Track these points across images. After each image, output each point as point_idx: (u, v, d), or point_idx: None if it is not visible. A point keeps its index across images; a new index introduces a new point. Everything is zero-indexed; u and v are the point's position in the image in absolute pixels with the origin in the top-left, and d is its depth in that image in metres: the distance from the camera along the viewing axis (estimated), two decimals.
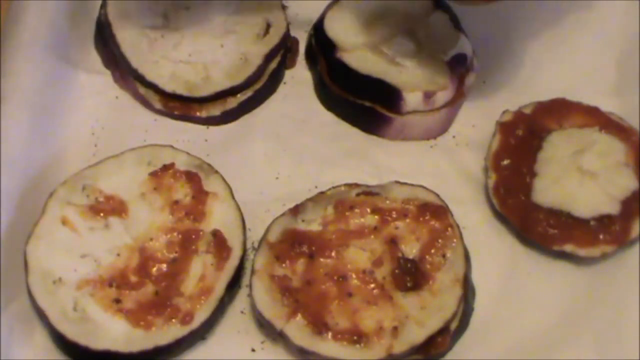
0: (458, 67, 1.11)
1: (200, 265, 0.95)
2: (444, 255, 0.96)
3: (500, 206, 1.03)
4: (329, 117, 1.13)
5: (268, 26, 1.13)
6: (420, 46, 1.11)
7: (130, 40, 1.09)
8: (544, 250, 1.02)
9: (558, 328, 0.98)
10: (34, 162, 1.01)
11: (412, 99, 1.07)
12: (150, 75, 1.08)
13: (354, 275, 0.95)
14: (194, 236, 0.96)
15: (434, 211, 0.98)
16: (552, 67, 1.17)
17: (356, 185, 1.02)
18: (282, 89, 1.15)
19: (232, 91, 1.10)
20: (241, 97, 1.11)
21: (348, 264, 0.95)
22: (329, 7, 1.15)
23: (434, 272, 0.95)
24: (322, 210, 0.99)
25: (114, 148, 1.03)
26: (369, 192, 1.00)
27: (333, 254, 0.96)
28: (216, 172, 1.01)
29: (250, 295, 0.95)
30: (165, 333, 0.90)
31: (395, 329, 0.91)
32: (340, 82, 1.11)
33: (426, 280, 0.94)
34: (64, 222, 0.96)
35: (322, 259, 0.95)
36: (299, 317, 0.91)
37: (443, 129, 1.12)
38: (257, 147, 1.09)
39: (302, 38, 1.18)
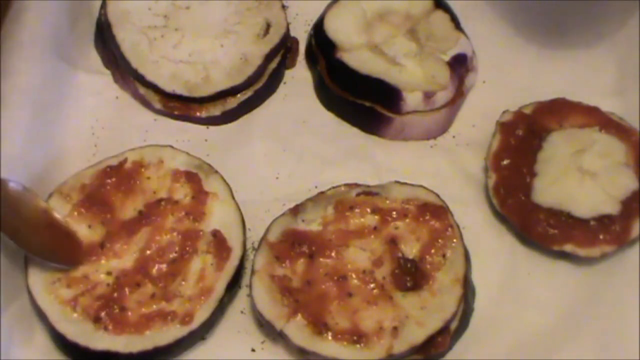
0: (458, 67, 1.11)
1: (200, 265, 0.95)
2: (444, 255, 0.96)
3: (500, 206, 1.03)
4: (329, 117, 1.13)
5: (268, 26, 1.13)
6: (420, 46, 1.11)
7: (130, 40, 1.09)
8: (544, 250, 1.02)
9: (558, 328, 0.98)
10: (34, 162, 1.01)
11: (412, 99, 1.07)
12: (150, 75, 1.08)
13: (354, 275, 0.95)
14: (194, 236, 0.96)
15: (434, 211, 0.98)
16: (552, 67, 1.17)
17: (356, 185, 1.02)
18: (282, 89, 1.15)
19: (232, 91, 1.10)
20: (241, 97, 1.11)
21: (348, 264, 0.95)
22: (329, 7, 1.15)
23: (434, 272, 0.95)
24: (322, 210, 0.99)
25: (114, 148, 1.03)
26: (369, 192, 1.00)
27: (333, 254, 0.96)
28: (216, 172, 1.01)
29: (250, 295, 0.95)
30: (165, 333, 0.90)
31: (395, 329, 0.91)
32: (340, 82, 1.11)
33: (426, 280, 0.94)
34: (64, 221, 0.96)
35: (322, 259, 0.95)
36: (299, 317, 0.91)
37: (443, 129, 1.12)
38: (257, 147, 1.09)
39: (302, 38, 1.18)
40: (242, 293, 0.98)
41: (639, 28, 1.16)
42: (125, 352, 0.89)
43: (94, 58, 1.14)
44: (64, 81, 1.09)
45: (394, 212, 0.98)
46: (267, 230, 0.98)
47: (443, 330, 0.92)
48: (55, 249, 0.94)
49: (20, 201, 0.93)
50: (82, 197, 0.97)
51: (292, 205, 1.00)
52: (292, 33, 1.17)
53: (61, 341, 0.91)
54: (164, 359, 0.92)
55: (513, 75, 1.16)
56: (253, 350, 0.95)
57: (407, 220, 0.98)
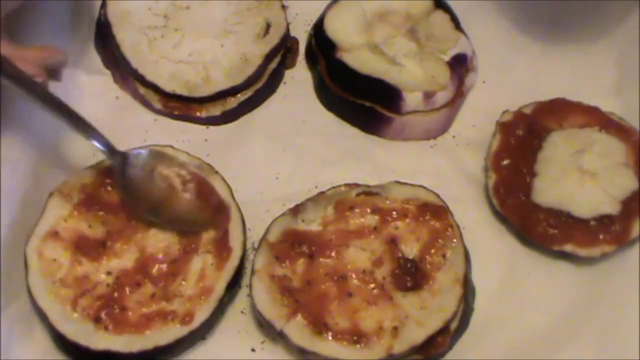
0: (458, 67, 1.11)
1: (200, 265, 0.95)
2: (444, 255, 0.96)
3: (500, 206, 1.03)
4: (329, 117, 1.13)
5: (268, 26, 1.13)
6: (420, 46, 1.11)
7: (130, 40, 1.09)
8: (544, 250, 1.02)
9: (558, 328, 0.98)
10: (34, 162, 1.01)
11: (412, 99, 1.07)
12: (150, 75, 1.08)
13: (354, 275, 0.95)
14: (194, 236, 0.96)
15: (434, 211, 0.98)
16: (552, 66, 1.17)
17: (356, 185, 1.02)
18: (282, 89, 1.15)
19: (232, 91, 1.10)
20: (241, 97, 1.11)
21: (348, 264, 0.95)
22: (329, 7, 1.15)
23: (434, 272, 0.95)
24: (322, 210, 0.99)
25: None
26: (369, 192, 1.00)
27: (333, 254, 0.96)
28: (216, 172, 1.01)
29: (250, 295, 0.95)
30: (165, 333, 0.90)
31: (395, 329, 0.91)
32: (340, 82, 1.11)
33: (426, 280, 0.94)
34: (65, 221, 0.96)
35: (322, 259, 0.95)
36: (299, 317, 0.91)
37: (443, 129, 1.12)
38: (257, 147, 1.09)
39: (302, 38, 1.18)
40: (242, 293, 0.98)
41: (639, 28, 1.16)
42: (125, 352, 0.89)
43: (94, 58, 1.14)
44: (64, 81, 1.09)
45: (394, 212, 0.98)
46: (267, 230, 0.98)
47: (443, 330, 0.92)
48: (195, 211, 0.96)
49: (154, 170, 0.97)
50: (83, 197, 0.97)
51: (292, 205, 1.00)
52: (292, 33, 1.17)
53: (61, 341, 0.91)
54: (164, 359, 0.92)
55: (513, 75, 1.16)
56: (253, 350, 0.95)
57: (407, 220, 0.98)
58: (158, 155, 0.98)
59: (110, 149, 0.95)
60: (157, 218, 0.96)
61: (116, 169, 0.95)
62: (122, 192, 0.96)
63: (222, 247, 0.96)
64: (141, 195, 0.96)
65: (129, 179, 0.96)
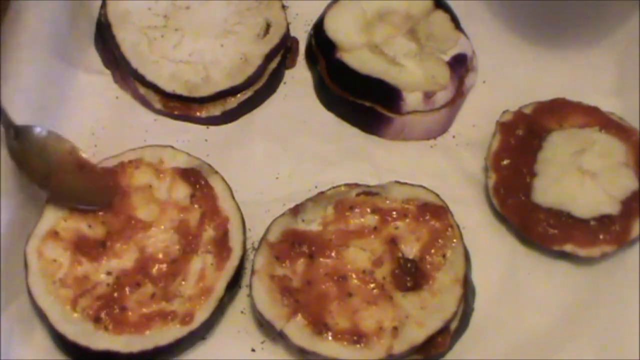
0: (458, 67, 1.11)
1: (200, 265, 0.95)
2: (444, 255, 0.96)
3: (500, 206, 1.03)
4: (329, 117, 1.13)
5: (268, 26, 1.13)
6: (420, 46, 1.11)
7: (130, 40, 1.09)
8: (544, 250, 1.02)
9: (558, 328, 0.98)
10: None
11: (412, 99, 1.07)
12: (150, 75, 1.08)
13: (354, 275, 0.95)
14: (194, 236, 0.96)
15: (434, 211, 0.98)
16: (552, 67, 1.17)
17: (356, 185, 1.02)
18: (282, 89, 1.15)
19: (232, 91, 1.10)
20: (241, 97, 1.11)
21: (348, 264, 0.95)
22: (329, 7, 1.15)
23: (434, 272, 0.95)
24: (322, 210, 0.99)
25: (114, 148, 1.03)
26: (369, 192, 1.00)
27: (333, 254, 0.96)
28: (216, 172, 1.01)
29: (250, 295, 0.95)
30: (165, 333, 0.90)
31: (395, 329, 0.91)
32: (340, 82, 1.11)
33: (426, 280, 0.94)
34: (64, 221, 0.96)
35: (322, 259, 0.95)
36: (299, 317, 0.91)
37: (443, 129, 1.12)
38: (257, 147, 1.09)
39: (302, 38, 1.18)
40: (242, 293, 0.98)
41: (639, 28, 1.16)
42: (125, 352, 0.89)
43: (94, 58, 1.14)
44: (64, 81, 1.09)
45: (394, 212, 0.98)
46: (267, 230, 0.98)
47: (443, 330, 0.92)
48: (87, 189, 0.97)
49: (47, 145, 0.97)
50: None
51: (292, 205, 1.00)
52: (292, 33, 1.17)
53: (61, 341, 0.91)
54: (164, 359, 0.92)
55: (513, 75, 1.16)
56: (253, 350, 0.95)
57: (407, 220, 0.98)
58: (52, 135, 0.98)
59: (3, 118, 0.95)
60: (48, 190, 0.96)
61: (6, 138, 0.95)
62: (15, 162, 0.96)
63: (222, 247, 0.96)
64: (34, 168, 0.96)
65: (22, 150, 0.96)
